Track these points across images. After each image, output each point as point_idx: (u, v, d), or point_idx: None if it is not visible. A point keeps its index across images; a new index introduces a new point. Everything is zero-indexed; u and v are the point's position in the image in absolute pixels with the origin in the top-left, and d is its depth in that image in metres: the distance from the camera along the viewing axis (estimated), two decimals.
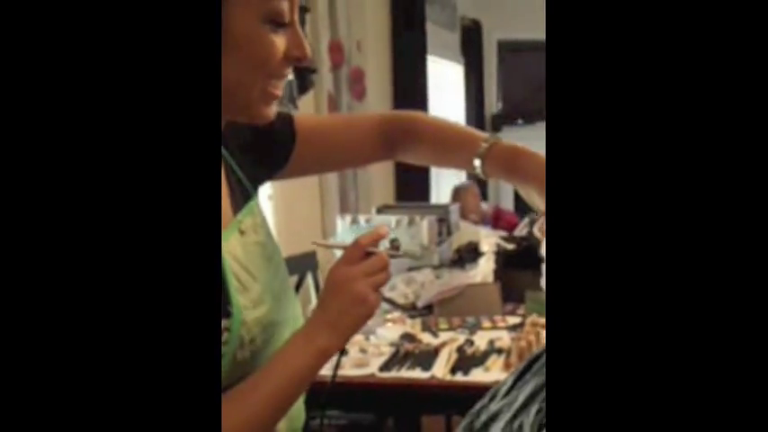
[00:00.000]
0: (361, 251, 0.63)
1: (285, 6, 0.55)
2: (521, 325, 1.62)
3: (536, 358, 0.81)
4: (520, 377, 0.80)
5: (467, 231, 2.18)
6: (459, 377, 1.38)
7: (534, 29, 4.59)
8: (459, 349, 1.51)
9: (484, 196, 3.65)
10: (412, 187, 3.31)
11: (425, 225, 1.87)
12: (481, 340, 1.56)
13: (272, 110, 0.60)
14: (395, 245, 0.68)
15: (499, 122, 4.62)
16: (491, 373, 1.39)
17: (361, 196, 2.86)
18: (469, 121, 4.32)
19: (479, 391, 1.32)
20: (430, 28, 3.41)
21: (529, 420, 0.66)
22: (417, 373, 1.41)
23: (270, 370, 0.60)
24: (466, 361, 1.44)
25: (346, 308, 0.61)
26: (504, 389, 0.80)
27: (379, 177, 3.15)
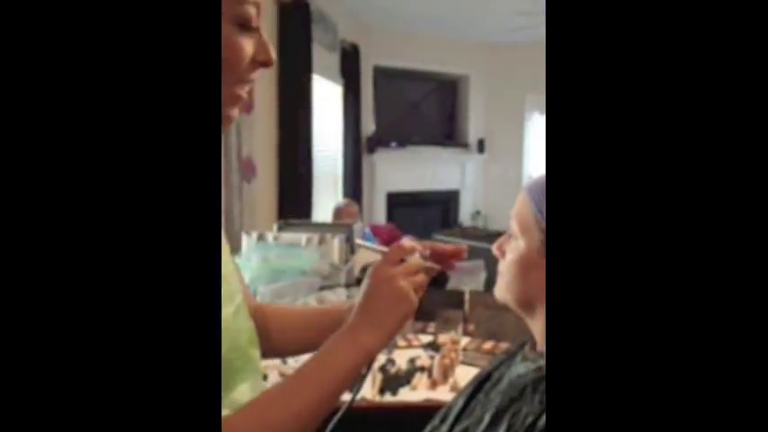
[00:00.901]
0: (402, 254, 0.65)
1: (253, 11, 0.55)
2: (433, 343, 1.66)
3: (486, 378, 0.83)
4: (472, 397, 0.81)
5: (365, 250, 2.18)
6: (389, 398, 1.37)
7: (407, 58, 4.83)
8: (382, 369, 1.50)
9: None
10: (294, 205, 3.25)
11: (336, 243, 1.85)
12: (401, 359, 1.56)
13: (236, 112, 0.61)
14: (424, 257, 0.69)
15: (374, 144, 4.72)
16: (418, 391, 1.40)
17: (246, 212, 2.77)
18: (347, 140, 4.37)
19: (410, 411, 1.32)
20: (314, 47, 3.42)
21: None
22: (347, 396, 1.37)
23: (315, 369, 0.59)
24: (391, 381, 1.44)
25: (390, 306, 0.61)
26: (457, 410, 0.81)
27: (263, 194, 3.06)
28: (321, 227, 2.03)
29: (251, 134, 2.85)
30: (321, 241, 1.82)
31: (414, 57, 4.86)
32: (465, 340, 1.66)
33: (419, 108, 5.16)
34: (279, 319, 0.82)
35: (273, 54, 0.58)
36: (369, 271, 0.65)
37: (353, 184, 4.44)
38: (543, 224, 0.71)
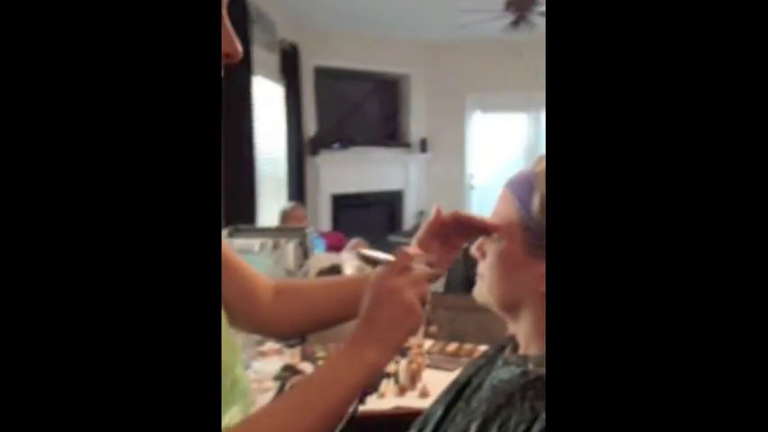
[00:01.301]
0: (407, 262, 0.61)
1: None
2: None
3: (465, 384, 0.79)
4: (452, 404, 0.77)
5: (320, 256, 2.12)
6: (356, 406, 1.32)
7: (348, 57, 4.78)
8: None
9: None
10: (238, 210, 3.14)
11: (291, 249, 1.78)
12: None
13: None
14: (429, 263, 0.66)
15: (316, 146, 4.64)
16: (387, 399, 1.35)
17: None
18: (290, 142, 4.27)
19: (380, 420, 1.27)
20: (253, 47, 3.32)
21: None
22: None
23: (318, 388, 0.57)
24: None
25: (397, 320, 0.58)
26: (436, 418, 0.77)
27: None
28: (273, 232, 1.95)
29: None
30: (275, 246, 1.75)
31: (354, 56, 4.81)
32: (428, 343, 1.63)
33: (361, 108, 5.11)
34: (297, 297, 0.80)
35: (240, 47, 0.56)
36: (371, 281, 0.61)
37: (298, 186, 4.34)
38: (529, 222, 0.68)
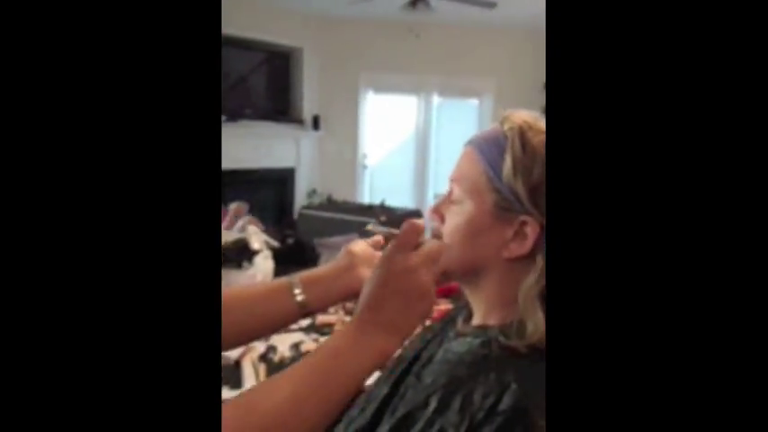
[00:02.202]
0: (419, 236, 0.55)
1: None
2: (313, 325, 1.51)
3: (413, 359, 0.72)
4: (399, 381, 0.70)
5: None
6: None
7: (235, 25, 4.50)
8: (264, 358, 1.32)
9: None
10: None
11: None
12: (282, 345, 1.39)
13: None
14: (437, 233, 0.60)
15: None
16: None
17: None
18: None
19: None
20: None
21: (451, 422, 0.55)
22: (227, 393, 1.17)
23: (325, 375, 0.51)
24: (277, 370, 1.26)
25: (409, 304, 0.52)
26: (381, 397, 0.69)
27: None
28: None
29: None
30: None
31: (242, 24, 4.53)
32: (346, 320, 1.54)
33: (248, 81, 4.85)
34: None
35: None
36: (381, 258, 0.54)
37: None
38: (498, 185, 0.63)
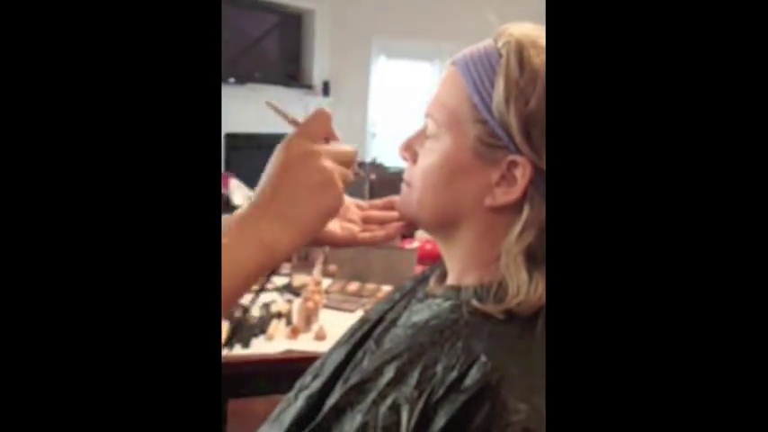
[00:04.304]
0: (326, 128, 0.48)
1: None
2: (289, 286, 1.44)
3: (375, 323, 0.63)
4: (358, 346, 0.61)
5: None
6: (239, 350, 1.14)
7: None
8: (230, 317, 1.26)
9: None
10: None
11: None
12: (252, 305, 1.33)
13: None
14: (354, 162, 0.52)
15: None
16: (276, 341, 1.18)
17: None
18: None
19: (267, 365, 1.10)
20: None
21: (405, 396, 0.47)
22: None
23: None
24: (242, 331, 1.20)
25: (307, 191, 0.45)
26: (335, 362, 0.60)
27: None
28: None
29: None
30: None
31: None
32: (326, 282, 1.47)
33: (261, 44, 4.76)
34: None
35: None
36: (278, 146, 0.47)
37: None
38: (485, 115, 0.51)
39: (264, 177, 0.47)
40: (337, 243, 0.64)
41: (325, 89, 5.09)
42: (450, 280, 0.58)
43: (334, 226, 0.62)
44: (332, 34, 5.06)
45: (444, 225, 0.57)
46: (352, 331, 0.65)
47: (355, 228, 0.63)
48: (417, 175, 0.57)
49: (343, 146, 0.49)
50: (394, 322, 0.59)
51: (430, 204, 0.56)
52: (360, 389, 0.50)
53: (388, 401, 0.47)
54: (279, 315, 1.28)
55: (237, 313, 1.28)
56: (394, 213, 0.63)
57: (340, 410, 0.50)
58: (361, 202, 0.66)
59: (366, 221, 0.64)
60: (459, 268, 0.57)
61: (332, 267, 1.53)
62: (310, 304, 1.23)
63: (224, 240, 0.44)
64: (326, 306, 1.32)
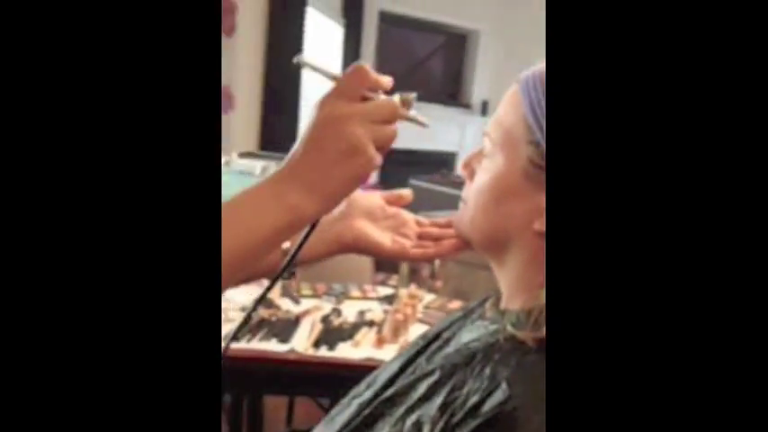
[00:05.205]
0: (364, 86, 0.44)
1: None
2: (393, 297, 1.44)
3: (433, 339, 0.61)
4: (412, 360, 0.60)
5: None
6: (324, 352, 1.16)
7: (416, 5, 4.52)
8: (325, 320, 1.29)
9: None
10: (278, 139, 3.00)
11: None
12: (349, 311, 1.35)
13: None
14: (406, 101, 0.48)
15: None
16: (361, 348, 1.19)
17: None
18: None
19: (347, 370, 1.11)
20: None
21: (429, 415, 0.47)
22: (273, 345, 1.17)
23: (233, 224, 0.43)
24: (332, 334, 1.23)
25: (335, 159, 0.43)
26: (388, 374, 0.60)
27: (242, 126, 2.83)
28: (279, 157, 1.80)
29: (232, 61, 2.60)
30: None
31: (423, 4, 4.54)
32: (429, 297, 1.45)
33: (426, 64, 4.88)
34: None
35: None
36: (314, 105, 0.45)
37: None
38: (538, 134, 0.48)
39: (299, 138, 0.46)
40: (386, 255, 0.64)
41: (484, 109, 5.05)
42: (502, 303, 0.56)
43: (386, 238, 0.61)
44: (495, 54, 5.02)
45: (493, 247, 0.55)
46: (412, 346, 0.65)
47: (408, 242, 0.62)
48: (472, 194, 0.56)
49: (383, 101, 0.46)
50: (448, 341, 0.59)
51: (480, 224, 0.55)
52: (394, 401, 0.52)
53: (414, 417, 0.48)
54: (371, 323, 1.28)
55: (333, 317, 1.31)
56: (451, 231, 0.61)
57: (375, 419, 0.52)
58: (422, 219, 0.65)
59: (422, 238, 0.63)
60: (508, 292, 0.55)
61: (438, 283, 1.50)
62: (399, 316, 1.21)
63: (247, 197, 0.44)
64: (421, 320, 1.30)
